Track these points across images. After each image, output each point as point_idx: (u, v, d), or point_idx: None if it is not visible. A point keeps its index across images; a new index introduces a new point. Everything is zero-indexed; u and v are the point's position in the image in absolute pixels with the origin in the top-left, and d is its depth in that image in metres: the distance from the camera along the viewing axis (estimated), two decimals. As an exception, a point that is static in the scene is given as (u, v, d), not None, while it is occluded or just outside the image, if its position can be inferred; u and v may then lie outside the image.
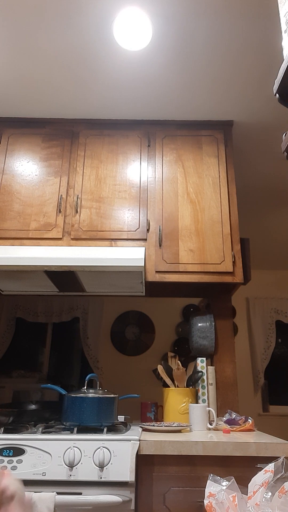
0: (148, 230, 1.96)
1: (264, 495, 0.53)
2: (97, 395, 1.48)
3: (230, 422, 1.63)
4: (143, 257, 1.74)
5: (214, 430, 1.62)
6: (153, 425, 1.54)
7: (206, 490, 0.59)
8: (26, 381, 3.58)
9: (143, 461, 1.29)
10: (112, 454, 1.25)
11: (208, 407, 1.72)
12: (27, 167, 2.09)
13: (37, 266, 1.71)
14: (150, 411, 1.91)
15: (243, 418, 1.64)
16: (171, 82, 1.93)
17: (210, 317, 2.01)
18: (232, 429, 1.58)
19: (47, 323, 4.12)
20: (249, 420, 1.60)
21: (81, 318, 3.97)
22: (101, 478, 1.22)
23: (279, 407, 4.02)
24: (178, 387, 1.86)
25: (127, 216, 1.99)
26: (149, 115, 2.17)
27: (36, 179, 2.07)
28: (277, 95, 0.88)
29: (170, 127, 2.19)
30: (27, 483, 1.23)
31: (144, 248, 1.84)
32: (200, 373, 1.86)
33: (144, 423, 1.61)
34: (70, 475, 1.22)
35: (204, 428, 1.61)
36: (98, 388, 1.56)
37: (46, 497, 1.16)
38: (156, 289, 2.13)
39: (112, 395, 1.53)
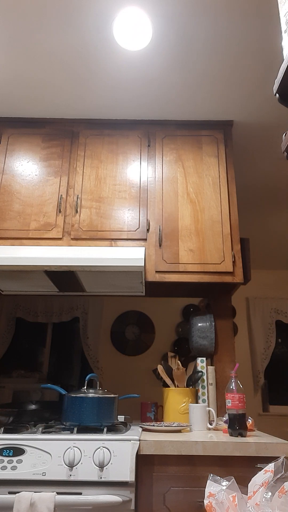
0: (148, 230, 1.96)
1: (264, 495, 0.53)
2: (97, 395, 1.48)
3: (230, 422, 1.63)
4: (143, 257, 1.74)
5: (214, 430, 1.62)
6: (153, 425, 1.54)
7: (206, 490, 0.59)
8: (26, 381, 3.57)
9: (143, 461, 1.29)
10: (112, 454, 1.25)
11: (208, 407, 1.72)
12: (27, 167, 2.09)
13: (37, 266, 1.71)
14: (150, 411, 1.91)
15: (243, 418, 1.64)
16: (171, 82, 1.93)
17: (210, 317, 2.01)
18: (232, 429, 1.57)
19: (47, 323, 4.12)
20: (249, 420, 1.60)
21: (81, 318, 3.97)
22: (101, 478, 1.22)
23: (279, 407, 4.02)
24: (178, 387, 1.86)
25: (127, 216, 1.99)
26: (149, 115, 2.17)
27: (36, 179, 2.07)
28: (277, 95, 0.88)
29: (170, 127, 2.19)
30: (27, 483, 1.23)
31: (144, 248, 1.84)
32: (200, 373, 1.86)
33: (144, 423, 1.61)
34: (70, 475, 1.22)
35: (204, 428, 1.61)
36: (98, 388, 1.56)
37: (46, 497, 1.16)
38: (156, 289, 2.13)
39: (112, 395, 1.53)
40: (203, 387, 1.85)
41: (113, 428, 1.49)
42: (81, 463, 1.24)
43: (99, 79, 1.93)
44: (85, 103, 2.08)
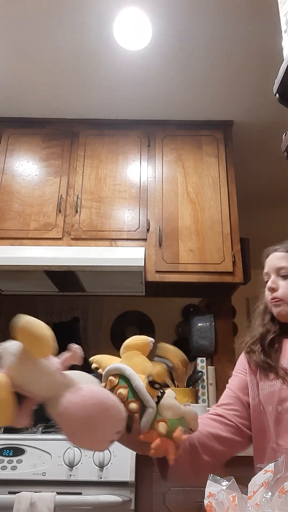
0: (148, 230, 1.96)
1: (264, 495, 0.53)
2: (97, 395, 1.48)
3: (230, 422, 1.62)
4: (143, 257, 1.74)
5: (214, 430, 1.61)
6: (153, 425, 1.54)
7: (206, 490, 0.59)
8: (26, 381, 3.56)
9: (143, 461, 1.29)
10: (112, 454, 1.25)
11: (208, 407, 1.72)
12: (27, 167, 2.09)
13: (37, 266, 1.71)
14: (150, 411, 1.90)
15: (243, 418, 1.64)
16: (171, 82, 1.93)
17: (210, 317, 2.01)
18: (232, 429, 1.57)
19: (47, 323, 4.11)
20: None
21: (81, 318, 3.96)
22: (101, 478, 1.22)
23: (279, 407, 4.01)
24: (178, 387, 1.86)
25: (127, 216, 1.98)
26: (149, 115, 2.16)
27: (36, 179, 2.06)
28: (277, 95, 0.88)
29: (170, 127, 2.19)
30: (27, 483, 1.23)
31: (144, 248, 1.84)
32: (200, 373, 1.86)
33: (144, 423, 1.60)
34: (70, 475, 1.22)
35: (204, 428, 1.60)
36: (98, 388, 1.55)
37: (46, 497, 1.15)
38: (156, 289, 2.13)
39: (112, 395, 1.52)
40: (203, 387, 1.85)
41: (113, 428, 1.49)
42: (81, 463, 1.24)
43: (99, 79, 1.92)
44: (85, 103, 2.08)
